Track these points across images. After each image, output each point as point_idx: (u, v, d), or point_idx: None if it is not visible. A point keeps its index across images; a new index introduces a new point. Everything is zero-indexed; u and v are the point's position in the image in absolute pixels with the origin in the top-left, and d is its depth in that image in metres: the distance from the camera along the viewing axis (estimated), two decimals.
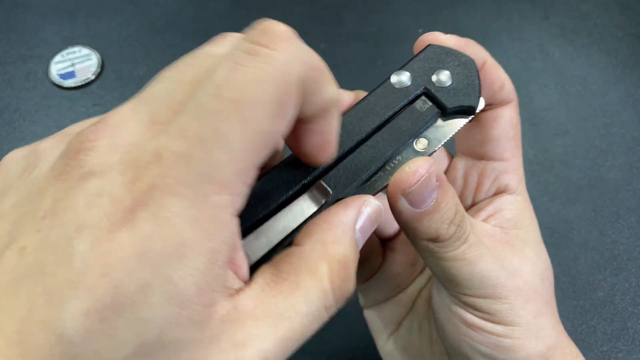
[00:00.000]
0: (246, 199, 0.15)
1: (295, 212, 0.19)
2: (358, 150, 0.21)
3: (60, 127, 0.44)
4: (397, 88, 0.22)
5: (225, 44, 0.17)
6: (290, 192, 0.19)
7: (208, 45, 0.17)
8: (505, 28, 0.51)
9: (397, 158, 0.22)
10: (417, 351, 0.28)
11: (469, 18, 0.51)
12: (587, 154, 0.43)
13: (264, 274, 0.16)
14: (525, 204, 0.26)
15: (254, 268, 0.17)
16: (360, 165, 0.21)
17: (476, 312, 0.23)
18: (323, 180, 0.20)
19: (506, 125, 0.25)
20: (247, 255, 0.17)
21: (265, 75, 0.14)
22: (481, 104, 0.23)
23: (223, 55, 0.15)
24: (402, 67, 0.23)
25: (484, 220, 0.25)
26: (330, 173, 0.20)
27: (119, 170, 0.14)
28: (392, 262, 0.29)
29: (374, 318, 0.30)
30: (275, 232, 0.19)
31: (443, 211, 0.21)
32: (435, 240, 0.21)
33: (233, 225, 0.15)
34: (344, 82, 0.29)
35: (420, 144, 0.22)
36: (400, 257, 0.29)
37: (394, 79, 0.22)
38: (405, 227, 0.21)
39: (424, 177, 0.20)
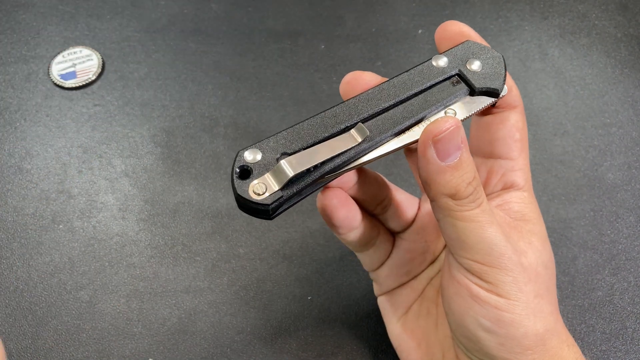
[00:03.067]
0: None
1: (336, 144, 0.23)
2: (396, 108, 0.25)
3: (61, 127, 0.44)
4: (435, 67, 0.26)
5: None
6: (336, 130, 0.24)
7: None
8: (504, 28, 0.51)
9: (429, 120, 0.25)
10: (423, 333, 0.30)
11: (468, 18, 0.51)
12: (586, 154, 0.43)
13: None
14: (532, 200, 0.28)
15: (293, 181, 0.22)
16: (397, 118, 0.25)
17: (482, 283, 0.24)
18: (363, 124, 0.24)
19: (512, 127, 0.27)
20: (290, 169, 0.22)
21: None
22: (504, 91, 0.26)
23: None
24: (441, 54, 0.26)
25: None
26: (371, 121, 0.24)
27: None
28: (402, 250, 0.31)
29: (386, 304, 0.32)
30: (318, 155, 0.23)
31: (464, 171, 0.23)
32: (453, 196, 0.23)
33: None
34: None
35: (450, 113, 0.25)
36: (411, 246, 0.31)
37: (434, 61, 0.26)
38: (429, 180, 0.24)
39: (453, 127, 0.23)
